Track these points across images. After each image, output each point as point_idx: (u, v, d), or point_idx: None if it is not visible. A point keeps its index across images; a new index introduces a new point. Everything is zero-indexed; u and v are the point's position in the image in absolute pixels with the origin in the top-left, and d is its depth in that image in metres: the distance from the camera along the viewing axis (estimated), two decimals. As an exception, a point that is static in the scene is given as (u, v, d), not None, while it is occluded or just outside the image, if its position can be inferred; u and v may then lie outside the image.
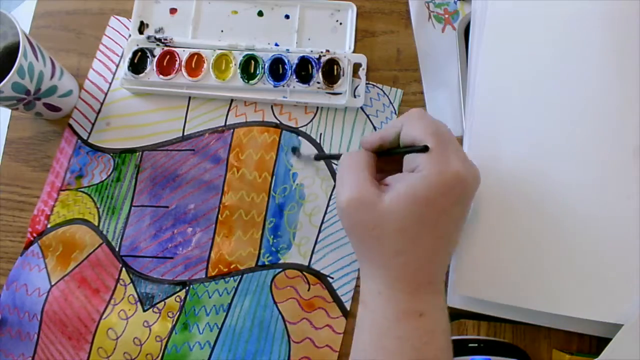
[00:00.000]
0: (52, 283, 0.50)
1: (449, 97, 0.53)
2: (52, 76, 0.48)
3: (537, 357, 0.46)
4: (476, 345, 0.44)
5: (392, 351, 0.34)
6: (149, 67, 0.52)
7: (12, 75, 0.43)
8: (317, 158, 0.51)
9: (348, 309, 0.49)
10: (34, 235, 0.51)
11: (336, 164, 0.51)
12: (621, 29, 0.47)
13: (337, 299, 0.49)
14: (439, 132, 0.35)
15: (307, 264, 0.50)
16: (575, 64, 0.48)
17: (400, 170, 0.37)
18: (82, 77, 0.54)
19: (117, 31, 0.55)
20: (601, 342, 0.45)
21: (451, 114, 0.52)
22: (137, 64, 0.52)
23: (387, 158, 0.40)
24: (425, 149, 0.34)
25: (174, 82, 0.52)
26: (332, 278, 0.50)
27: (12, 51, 0.44)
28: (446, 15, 0.55)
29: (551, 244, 0.45)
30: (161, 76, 0.52)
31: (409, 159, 0.36)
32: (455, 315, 0.48)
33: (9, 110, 0.54)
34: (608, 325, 0.44)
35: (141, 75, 0.52)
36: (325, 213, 0.51)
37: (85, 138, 0.53)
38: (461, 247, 0.47)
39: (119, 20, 0.55)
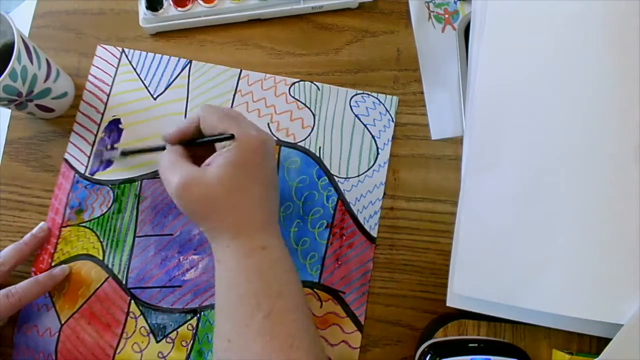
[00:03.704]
0: (62, 322, 0.49)
1: (449, 97, 0.53)
2: (47, 79, 0.48)
3: (537, 357, 0.46)
4: (476, 345, 0.44)
5: (242, 282, 0.39)
6: (165, 3, 0.53)
7: (3, 79, 0.43)
8: (124, 153, 0.50)
9: (362, 323, 0.49)
10: (38, 274, 0.50)
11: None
12: (621, 28, 0.47)
13: (350, 314, 0.49)
14: (231, 115, 0.42)
15: (317, 280, 0.50)
16: (575, 63, 0.48)
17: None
18: (82, 77, 0.54)
19: (105, 60, 0.55)
20: (601, 342, 0.45)
21: (451, 114, 0.52)
22: (154, 1, 0.53)
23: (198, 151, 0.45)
24: (232, 137, 0.40)
25: (192, 12, 0.53)
26: (344, 293, 0.50)
27: (11, 49, 0.44)
28: (446, 15, 0.55)
29: (551, 244, 0.45)
30: (179, 9, 0.53)
31: (219, 144, 0.43)
32: (455, 315, 0.48)
33: (9, 111, 0.54)
34: (608, 325, 0.44)
35: (160, 12, 0.53)
36: (332, 227, 0.51)
37: (82, 172, 0.52)
38: (461, 247, 0.47)
39: (105, 49, 0.55)
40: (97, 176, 0.52)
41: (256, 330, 0.38)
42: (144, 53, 0.54)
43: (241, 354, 0.38)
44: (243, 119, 0.43)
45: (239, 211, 0.41)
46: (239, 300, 0.39)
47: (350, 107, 0.53)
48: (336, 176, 0.51)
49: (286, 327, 0.38)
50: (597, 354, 0.43)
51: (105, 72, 0.54)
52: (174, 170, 0.41)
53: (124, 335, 0.49)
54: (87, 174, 0.52)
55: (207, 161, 0.42)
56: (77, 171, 0.52)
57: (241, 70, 0.54)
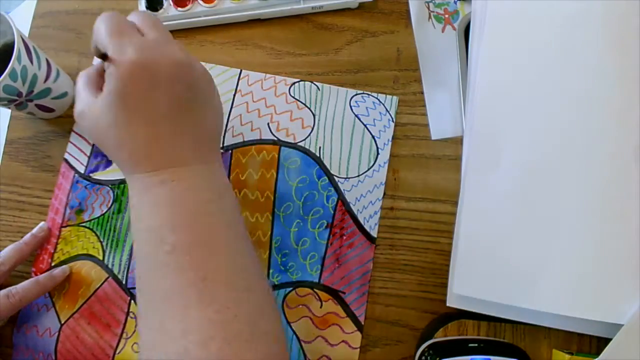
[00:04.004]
0: (62, 322, 0.49)
1: (449, 97, 0.53)
2: (47, 79, 0.48)
3: (537, 357, 0.46)
4: (476, 345, 0.44)
5: (147, 215, 0.36)
6: (165, 3, 0.53)
7: (3, 79, 0.43)
8: None
9: (362, 323, 0.49)
10: (38, 274, 0.50)
11: (338, 177, 0.51)
12: (621, 28, 0.47)
13: (350, 314, 0.49)
14: (114, 31, 0.36)
15: (317, 280, 0.50)
16: (575, 63, 0.48)
17: None
18: (82, 77, 0.54)
19: None
20: (601, 342, 0.45)
21: (451, 114, 0.52)
22: (154, 1, 0.53)
23: None
24: (102, 56, 0.36)
25: (192, 12, 0.53)
26: (344, 293, 0.49)
27: (11, 49, 0.44)
28: (446, 15, 0.55)
29: (551, 244, 0.45)
30: (179, 9, 0.53)
31: None
32: (455, 315, 0.48)
33: (9, 111, 0.54)
34: (608, 325, 0.44)
35: (159, 12, 0.53)
36: (332, 227, 0.51)
37: (82, 172, 0.52)
38: (461, 247, 0.47)
39: None
40: (97, 176, 0.52)
41: (161, 264, 0.35)
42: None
43: (151, 294, 0.36)
44: (130, 35, 0.36)
45: (127, 146, 0.37)
46: (143, 237, 0.37)
47: (350, 107, 0.53)
48: (336, 176, 0.51)
49: (196, 261, 0.35)
50: (597, 354, 0.43)
51: None
52: (77, 97, 0.39)
53: (124, 335, 0.49)
54: (87, 174, 0.52)
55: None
56: (77, 171, 0.52)
57: (241, 71, 0.54)
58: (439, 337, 0.46)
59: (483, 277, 0.46)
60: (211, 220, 0.37)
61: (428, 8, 0.55)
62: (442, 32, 0.55)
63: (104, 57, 0.37)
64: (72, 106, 0.53)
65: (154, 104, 0.36)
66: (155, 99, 0.36)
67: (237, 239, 0.38)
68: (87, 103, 0.38)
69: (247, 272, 0.37)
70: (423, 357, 0.45)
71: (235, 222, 0.39)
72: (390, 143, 0.52)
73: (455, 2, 0.55)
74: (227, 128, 0.53)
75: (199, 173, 0.38)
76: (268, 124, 0.53)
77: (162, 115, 0.37)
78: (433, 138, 0.52)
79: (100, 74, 0.39)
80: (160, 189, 0.36)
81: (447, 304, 0.47)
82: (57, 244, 0.51)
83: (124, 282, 0.50)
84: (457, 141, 0.52)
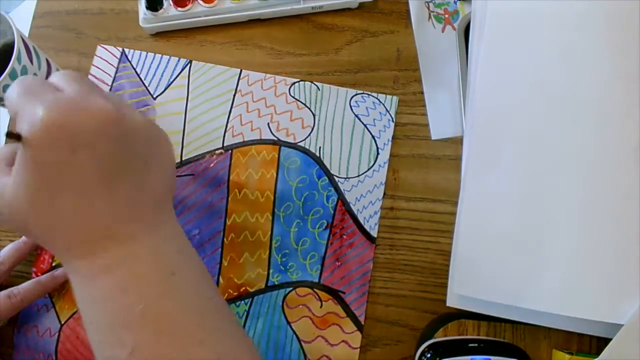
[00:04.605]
0: (62, 322, 0.49)
1: (449, 97, 0.53)
2: (47, 79, 0.48)
3: (537, 357, 0.46)
4: (476, 345, 0.44)
5: (94, 312, 0.32)
6: (165, 3, 0.53)
7: (3, 78, 0.43)
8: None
9: (362, 323, 0.49)
10: (39, 274, 0.50)
11: (340, 181, 0.51)
12: (622, 28, 0.47)
13: (350, 314, 0.49)
14: (25, 89, 0.30)
15: (317, 280, 0.50)
16: (576, 63, 0.48)
17: None
18: (82, 77, 0.54)
19: (105, 60, 0.55)
20: (601, 342, 0.45)
21: (451, 114, 0.52)
22: (154, 1, 0.53)
23: None
24: (11, 135, 0.29)
25: (192, 12, 0.53)
26: (344, 293, 0.49)
27: (11, 49, 0.44)
28: (446, 15, 0.55)
29: (551, 244, 0.45)
30: (179, 9, 0.53)
31: None
32: (455, 315, 0.48)
33: (9, 110, 0.54)
34: (608, 325, 0.44)
35: (160, 12, 0.53)
36: (331, 227, 0.50)
37: None
38: (461, 247, 0.47)
39: (106, 49, 0.55)
40: None
41: None
42: (144, 53, 0.54)
43: None
44: (46, 91, 0.30)
45: (56, 231, 0.31)
46: (98, 336, 0.32)
47: (350, 107, 0.53)
48: (336, 176, 0.51)
49: (162, 359, 0.30)
50: (597, 354, 0.43)
51: (105, 72, 0.54)
52: None
53: None
54: None
55: None
56: None
57: (241, 70, 0.54)
58: (438, 337, 0.46)
59: (483, 277, 0.46)
60: (167, 306, 0.31)
61: (428, 8, 0.55)
62: (442, 32, 0.55)
63: (9, 134, 0.29)
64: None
65: (79, 169, 0.29)
66: (79, 164, 0.29)
67: (204, 321, 0.33)
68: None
69: (223, 357, 0.32)
70: (423, 357, 0.45)
71: (199, 299, 0.33)
72: (390, 143, 0.52)
73: (455, 2, 0.55)
74: (227, 128, 0.53)
75: (145, 250, 0.32)
76: (268, 124, 0.53)
77: (90, 182, 0.30)
78: (433, 138, 0.52)
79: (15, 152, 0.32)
80: (104, 280, 0.31)
81: (447, 304, 0.47)
82: (57, 243, 0.51)
83: (124, 282, 0.50)
84: (457, 141, 0.52)
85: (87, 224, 0.31)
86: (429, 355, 0.44)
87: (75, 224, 0.30)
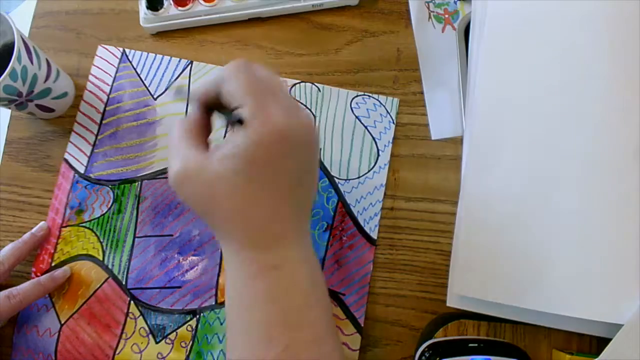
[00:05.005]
0: (62, 322, 0.49)
1: (449, 97, 0.53)
2: (47, 79, 0.48)
3: (537, 357, 0.46)
4: (476, 345, 0.44)
5: (252, 307, 0.33)
6: (166, 3, 0.53)
7: (3, 79, 0.43)
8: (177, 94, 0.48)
9: (362, 325, 0.49)
10: (38, 274, 0.50)
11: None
12: (621, 28, 0.47)
13: (350, 316, 0.49)
14: (257, 87, 0.33)
15: None
16: (576, 63, 0.48)
17: None
18: (82, 77, 0.54)
19: (106, 60, 0.55)
20: (601, 342, 0.45)
21: (451, 114, 0.52)
22: (154, 1, 0.53)
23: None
24: (239, 122, 0.32)
25: (192, 12, 0.53)
26: (344, 294, 0.49)
27: (11, 49, 0.44)
28: (446, 15, 0.55)
29: (551, 244, 0.45)
30: (179, 8, 0.53)
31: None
32: (455, 315, 0.48)
33: (9, 111, 0.54)
34: (608, 325, 0.44)
35: (160, 11, 0.53)
36: (332, 229, 0.50)
37: (82, 172, 0.52)
38: (461, 247, 0.47)
39: (106, 49, 0.55)
40: (97, 176, 0.52)
41: None
42: (144, 53, 0.54)
43: None
44: (274, 95, 0.33)
45: (244, 221, 0.33)
46: (249, 328, 0.34)
47: (351, 108, 0.53)
48: (336, 178, 0.51)
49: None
50: (597, 354, 0.43)
51: (106, 72, 0.54)
52: (175, 152, 0.34)
53: (124, 335, 0.49)
54: (86, 174, 0.52)
55: (218, 145, 0.34)
56: (77, 171, 0.52)
57: (241, 71, 0.54)
58: (438, 337, 0.46)
59: (483, 277, 0.46)
60: (320, 313, 0.34)
61: (428, 8, 0.55)
62: (442, 32, 0.55)
63: (230, 114, 0.33)
64: (72, 106, 0.53)
65: (284, 173, 0.33)
66: (285, 168, 0.33)
67: (333, 332, 0.35)
68: (193, 161, 0.33)
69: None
70: (423, 357, 0.45)
71: (328, 311, 0.36)
72: (390, 145, 0.52)
73: (455, 2, 0.55)
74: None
75: (303, 256, 0.35)
76: None
77: (287, 186, 0.33)
78: (433, 138, 0.52)
79: (203, 125, 0.36)
80: (268, 278, 0.33)
81: (447, 304, 0.48)
82: (57, 244, 0.51)
83: (123, 283, 0.50)
84: (457, 141, 0.52)
85: (271, 221, 0.33)
86: (428, 355, 0.44)
87: (262, 217, 0.33)
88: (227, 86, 0.34)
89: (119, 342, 0.49)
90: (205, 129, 0.36)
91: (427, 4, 0.55)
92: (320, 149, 0.52)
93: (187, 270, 0.50)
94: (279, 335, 0.32)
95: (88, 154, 0.52)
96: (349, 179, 0.51)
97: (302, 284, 0.34)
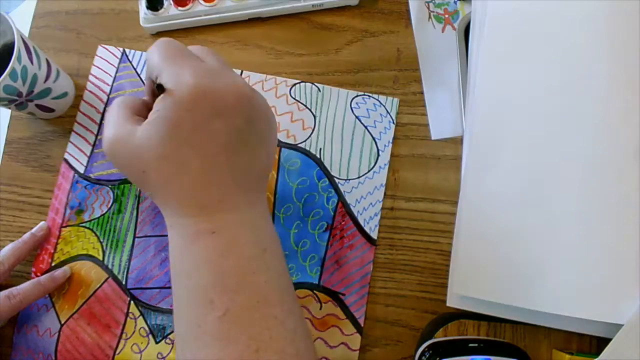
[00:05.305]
0: (62, 322, 0.49)
1: (449, 97, 0.53)
2: (47, 79, 0.48)
3: (537, 357, 0.46)
4: (476, 345, 0.44)
5: (190, 271, 0.33)
6: (166, 3, 0.53)
7: (3, 79, 0.43)
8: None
9: (362, 325, 0.49)
10: (38, 274, 0.50)
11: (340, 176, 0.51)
12: (621, 28, 0.47)
13: (350, 316, 0.49)
14: (173, 53, 0.33)
15: (317, 282, 0.50)
16: (576, 63, 0.48)
17: None
18: (82, 77, 0.54)
19: (106, 60, 0.55)
20: (601, 342, 0.45)
21: (451, 114, 0.52)
22: (154, 1, 0.53)
23: None
24: (159, 87, 0.32)
25: (192, 12, 0.53)
26: (344, 295, 0.49)
27: (11, 49, 0.44)
28: (446, 15, 0.55)
29: (551, 244, 0.45)
30: (179, 8, 0.53)
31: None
32: (456, 315, 0.48)
33: (9, 111, 0.54)
34: (608, 325, 0.44)
35: (160, 11, 0.53)
36: (332, 229, 0.50)
37: (82, 172, 0.52)
38: (461, 247, 0.47)
39: (106, 49, 0.55)
40: (97, 176, 0.52)
41: (210, 332, 0.32)
42: (144, 53, 0.54)
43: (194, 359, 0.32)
44: (187, 58, 0.33)
45: (176, 187, 0.33)
46: (188, 295, 0.33)
47: (351, 108, 0.53)
48: (336, 178, 0.51)
49: (248, 329, 0.32)
50: (597, 354, 0.43)
51: (106, 72, 0.54)
52: (109, 121, 0.35)
53: (124, 335, 0.49)
54: (86, 174, 0.52)
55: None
56: (77, 171, 0.52)
57: (242, 72, 0.54)
58: (438, 337, 0.46)
59: (483, 277, 0.46)
60: (259, 280, 0.33)
61: (428, 8, 0.55)
62: (442, 32, 0.55)
63: (159, 87, 0.33)
64: (72, 106, 0.54)
65: (211, 135, 0.32)
66: (213, 131, 0.32)
67: (285, 300, 0.34)
68: (123, 129, 0.33)
69: (296, 337, 0.33)
70: (423, 357, 0.45)
71: (281, 278, 0.35)
72: (390, 145, 0.52)
73: (455, 2, 0.55)
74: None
75: (246, 221, 0.34)
76: None
77: (217, 149, 0.33)
78: (433, 138, 0.52)
79: (145, 105, 0.36)
80: (205, 242, 0.33)
81: (447, 304, 0.48)
82: (57, 244, 0.51)
83: (123, 283, 0.50)
84: (457, 141, 0.52)
85: (204, 185, 0.33)
86: (428, 355, 0.44)
87: (194, 182, 0.33)
88: (149, 59, 0.34)
89: (119, 342, 0.49)
90: (148, 108, 0.35)
91: (427, 4, 0.55)
92: (320, 149, 0.52)
93: None
94: (218, 298, 0.32)
95: (88, 154, 0.52)
96: (349, 179, 0.51)
97: (244, 249, 0.33)
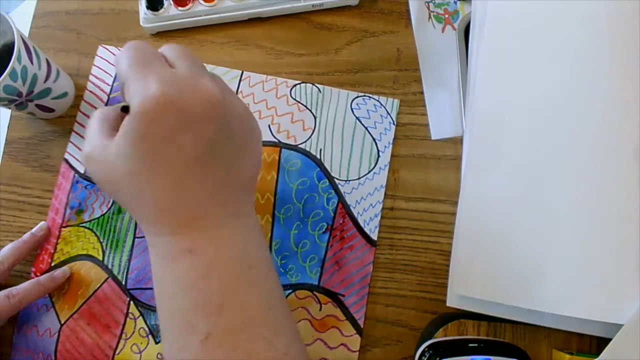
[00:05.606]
0: (62, 322, 0.49)
1: (449, 97, 0.53)
2: (47, 79, 0.48)
3: (537, 357, 0.46)
4: (476, 345, 0.44)
5: (170, 294, 0.32)
6: (166, 3, 0.53)
7: (3, 79, 0.43)
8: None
9: (362, 326, 0.49)
10: (38, 274, 0.50)
11: (339, 180, 0.51)
12: (622, 28, 0.47)
13: (349, 317, 0.49)
14: (139, 60, 0.31)
15: (317, 283, 0.50)
16: (576, 63, 0.48)
17: None
18: (82, 77, 0.54)
19: (106, 60, 0.55)
20: (601, 342, 0.45)
21: (451, 114, 0.52)
22: (154, 1, 0.53)
23: None
24: (124, 109, 0.31)
25: (192, 12, 0.53)
26: (344, 296, 0.49)
27: (11, 49, 0.44)
28: (446, 15, 0.55)
29: (551, 244, 0.45)
30: (179, 8, 0.53)
31: None
32: (456, 315, 0.48)
33: (9, 111, 0.54)
34: (608, 325, 0.44)
35: (160, 11, 0.53)
36: (332, 230, 0.50)
37: (82, 172, 0.52)
38: (461, 247, 0.47)
39: (107, 49, 0.55)
40: None
41: (193, 357, 0.30)
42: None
43: None
44: (152, 66, 0.31)
45: (146, 202, 0.31)
46: (170, 317, 0.32)
47: (352, 109, 0.53)
48: (337, 178, 0.51)
49: (232, 353, 0.30)
50: (597, 354, 0.43)
51: (106, 72, 0.54)
52: (86, 137, 0.33)
53: (123, 336, 0.49)
54: (87, 174, 0.52)
55: None
56: (77, 171, 0.52)
57: (242, 72, 0.54)
58: (438, 337, 0.46)
59: (483, 277, 0.46)
60: (243, 300, 0.32)
61: (428, 8, 0.55)
62: (442, 32, 0.55)
63: (124, 109, 0.32)
64: (72, 106, 0.54)
65: (179, 148, 0.30)
66: (181, 143, 0.30)
67: (274, 319, 0.33)
68: (97, 145, 0.32)
69: (288, 358, 0.32)
70: (423, 357, 0.45)
71: (271, 296, 0.34)
72: (390, 146, 0.52)
73: (455, 2, 0.55)
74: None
75: (229, 237, 0.33)
76: (269, 125, 0.52)
77: (188, 162, 0.31)
78: (433, 138, 0.52)
79: (120, 117, 0.34)
80: (184, 263, 0.31)
81: (447, 304, 0.48)
82: (57, 244, 0.51)
83: (123, 283, 0.50)
84: (457, 141, 0.52)
85: (177, 202, 0.31)
86: (428, 355, 0.44)
87: (165, 199, 0.31)
88: (116, 67, 0.32)
89: (118, 342, 0.49)
90: (120, 118, 0.34)
91: (427, 4, 0.55)
92: (321, 150, 0.52)
93: None
94: (200, 322, 0.31)
95: None
96: (349, 180, 0.51)
97: (227, 267, 0.32)
